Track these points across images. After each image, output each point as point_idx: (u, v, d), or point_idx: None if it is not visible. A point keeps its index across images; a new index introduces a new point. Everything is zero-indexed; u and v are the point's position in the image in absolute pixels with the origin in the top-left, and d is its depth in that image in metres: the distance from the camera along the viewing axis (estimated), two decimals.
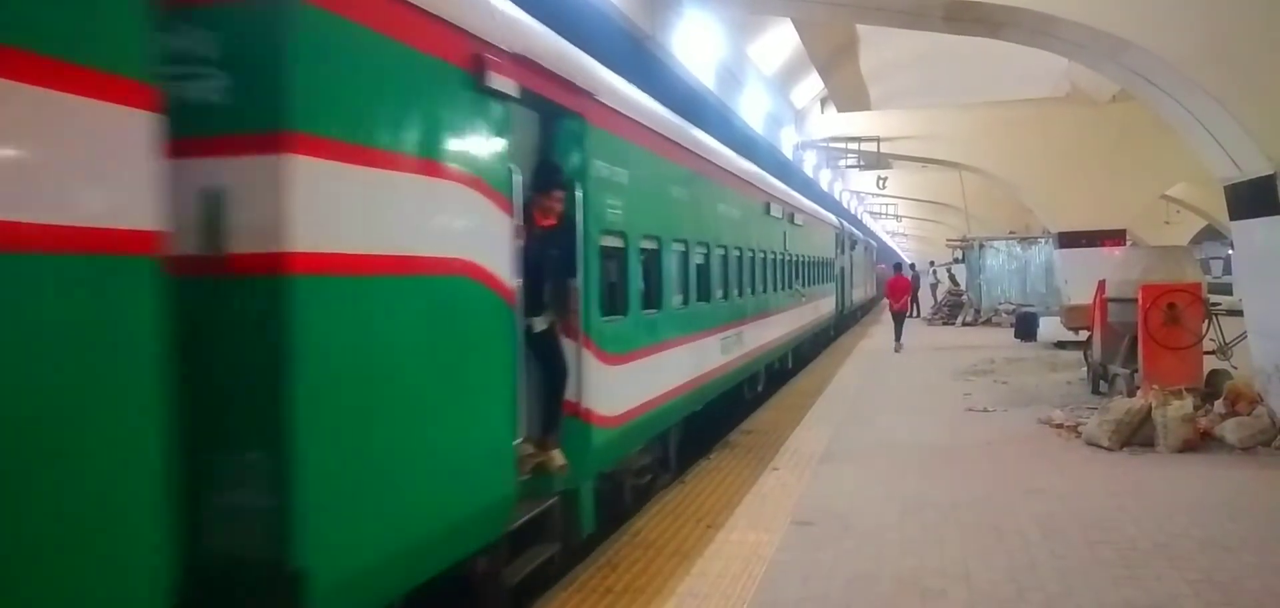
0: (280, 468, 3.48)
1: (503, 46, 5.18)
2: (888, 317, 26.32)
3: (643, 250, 8.12)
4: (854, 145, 27.51)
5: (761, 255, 14.06)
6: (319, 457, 3.61)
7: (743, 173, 13.14)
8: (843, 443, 10.81)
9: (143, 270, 2.81)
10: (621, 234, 7.51)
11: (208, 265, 3.49)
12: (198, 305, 3.39)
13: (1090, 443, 10.33)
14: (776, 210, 15.34)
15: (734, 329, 11.97)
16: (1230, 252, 36.73)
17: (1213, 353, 12.42)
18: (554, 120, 6.42)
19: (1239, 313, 12.35)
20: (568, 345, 6.39)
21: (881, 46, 24.60)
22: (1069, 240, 23.50)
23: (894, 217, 55.25)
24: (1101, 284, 14.42)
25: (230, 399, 3.54)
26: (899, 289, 24.87)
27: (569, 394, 6.37)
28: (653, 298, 8.52)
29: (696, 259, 10.19)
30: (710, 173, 10.92)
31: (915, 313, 33.26)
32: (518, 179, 5.43)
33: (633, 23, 14.85)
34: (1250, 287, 11.70)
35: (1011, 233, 35.12)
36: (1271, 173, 9.96)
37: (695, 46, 17.07)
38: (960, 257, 37.94)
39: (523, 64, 5.43)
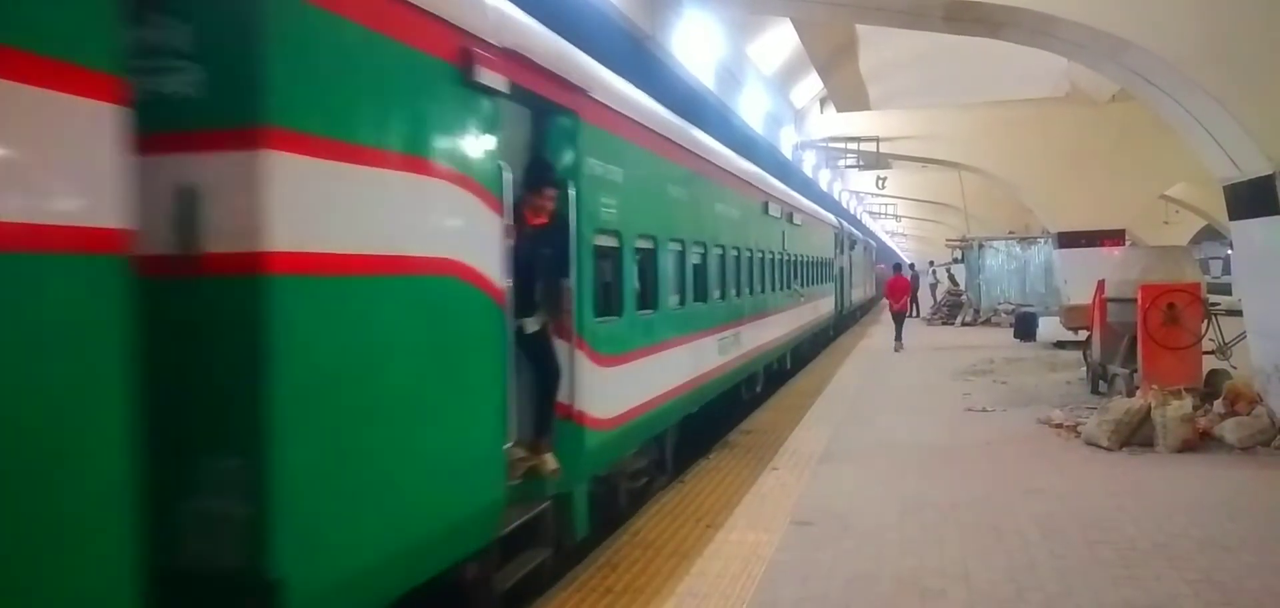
0: (257, 474, 3.39)
1: (492, 41, 5.09)
2: (887, 317, 26.30)
3: (638, 250, 8.05)
4: (853, 145, 27.51)
5: (759, 255, 13.99)
6: (297, 463, 3.52)
7: (740, 172, 13.07)
8: (842, 443, 10.78)
9: (108, 270, 2.71)
10: (616, 233, 7.44)
11: (183, 265, 3.40)
12: (173, 306, 3.31)
13: (1089, 443, 10.31)
14: (775, 210, 15.28)
15: (731, 330, 11.91)
16: (1229, 252, 36.68)
17: (1212, 353, 12.41)
18: (546, 117, 6.34)
19: (1238, 313, 12.34)
20: (560, 347, 6.31)
21: (881, 46, 24.54)
22: (1068, 240, 23.49)
23: (893, 217, 55.26)
24: (1101, 284, 14.41)
25: (206, 403, 3.44)
26: (898, 289, 24.91)
27: (562, 396, 6.29)
28: (648, 298, 8.45)
29: (693, 259, 10.12)
30: (707, 172, 10.85)
31: (915, 313, 33.24)
32: (508, 177, 5.33)
33: (632, 23, 14.82)
34: (1249, 287, 11.68)
35: (1011, 233, 35.11)
36: (1271, 173, 9.93)
37: (695, 46, 17.05)
38: (960, 257, 37.92)
39: (513, 59, 5.35)
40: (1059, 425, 11.44)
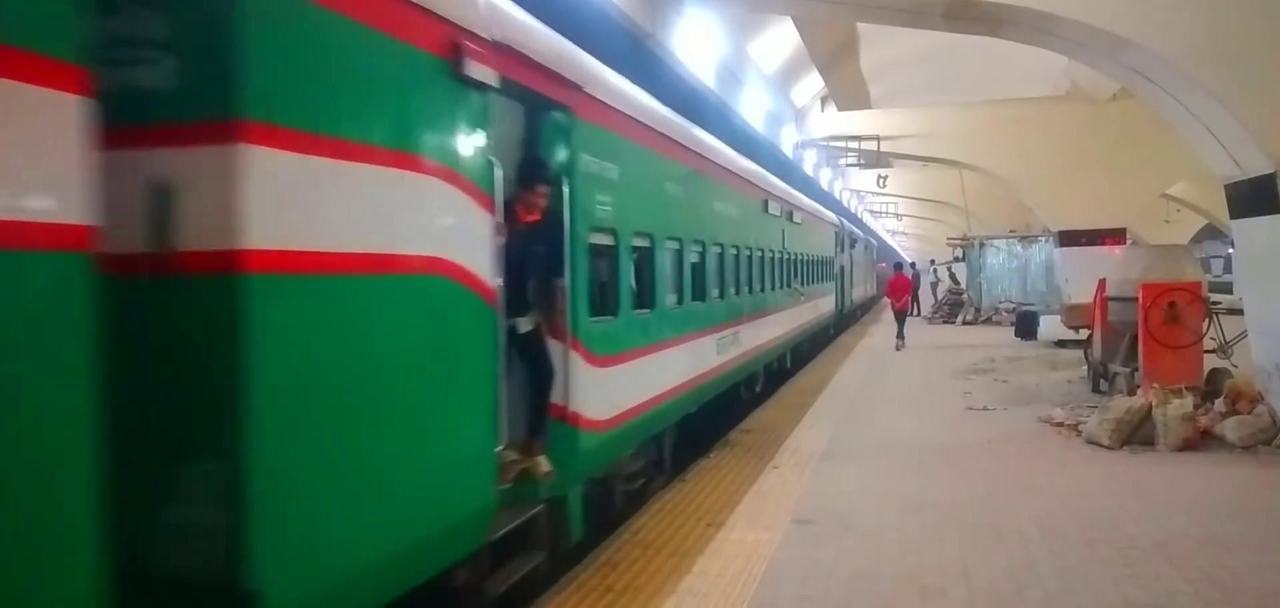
0: (233, 481, 3.26)
1: (482, 34, 5.00)
2: (888, 316, 26.26)
3: (634, 248, 7.98)
4: (854, 144, 27.48)
5: (759, 254, 13.93)
6: (276, 468, 3.41)
7: (739, 169, 13.00)
8: (843, 442, 10.75)
9: (71, 268, 2.61)
10: (612, 231, 7.35)
11: (155, 263, 3.28)
12: (146, 306, 3.21)
13: (1090, 442, 10.29)
14: (774, 208, 15.22)
15: (730, 329, 11.84)
16: (1230, 250, 36.63)
17: (1213, 352, 12.39)
18: (539, 112, 6.26)
19: (1239, 311, 12.32)
20: (554, 347, 6.23)
21: (882, 45, 24.46)
22: (1069, 239, 23.48)
23: (894, 215, 55.21)
24: (1102, 283, 14.38)
25: (180, 407, 3.32)
26: (900, 288, 24.92)
27: (555, 397, 6.21)
28: (645, 297, 8.38)
29: (691, 258, 10.04)
30: (706, 169, 10.78)
31: (916, 311, 33.19)
32: (499, 173, 5.23)
33: (633, 21, 14.77)
34: (1250, 285, 11.65)
35: (1012, 231, 35.06)
36: (1272, 171, 9.90)
37: (695, 45, 17.01)
38: (960, 255, 37.87)
39: (504, 52, 5.26)
40: (1060, 424, 11.40)
